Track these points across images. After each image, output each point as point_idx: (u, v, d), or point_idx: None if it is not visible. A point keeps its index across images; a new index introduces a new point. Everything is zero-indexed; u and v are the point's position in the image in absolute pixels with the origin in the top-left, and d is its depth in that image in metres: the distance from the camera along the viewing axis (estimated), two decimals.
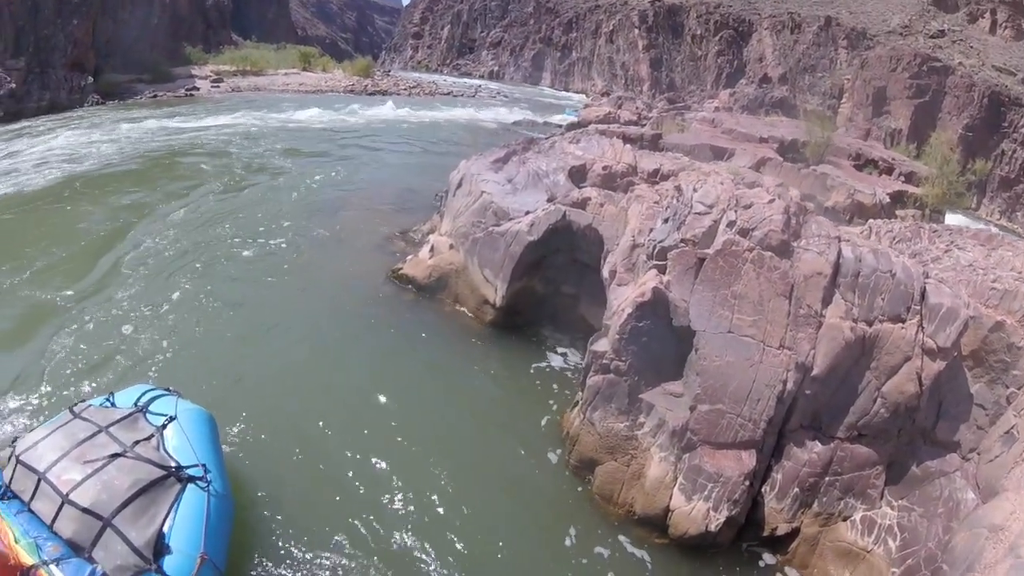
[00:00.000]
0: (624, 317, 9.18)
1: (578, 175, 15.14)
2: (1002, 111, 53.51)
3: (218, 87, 52.98)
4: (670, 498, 8.42)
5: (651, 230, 10.47)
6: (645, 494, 8.63)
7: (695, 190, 10.25)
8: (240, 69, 59.76)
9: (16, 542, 6.30)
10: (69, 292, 14.00)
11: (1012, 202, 52.49)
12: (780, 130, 19.03)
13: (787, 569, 8.68)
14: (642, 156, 15.26)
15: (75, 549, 6.39)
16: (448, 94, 61.56)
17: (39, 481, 6.75)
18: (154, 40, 56.60)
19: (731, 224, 9.07)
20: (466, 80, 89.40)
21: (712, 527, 8.01)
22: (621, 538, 8.63)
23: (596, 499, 9.08)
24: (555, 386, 11.98)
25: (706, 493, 8.08)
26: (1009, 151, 52.76)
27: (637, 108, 29.28)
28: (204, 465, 7.40)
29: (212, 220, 19.39)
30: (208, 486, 7.22)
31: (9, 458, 7.14)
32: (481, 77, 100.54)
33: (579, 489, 9.37)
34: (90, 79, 44.24)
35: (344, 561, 8.01)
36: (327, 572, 7.85)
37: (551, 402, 11.46)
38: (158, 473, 7.05)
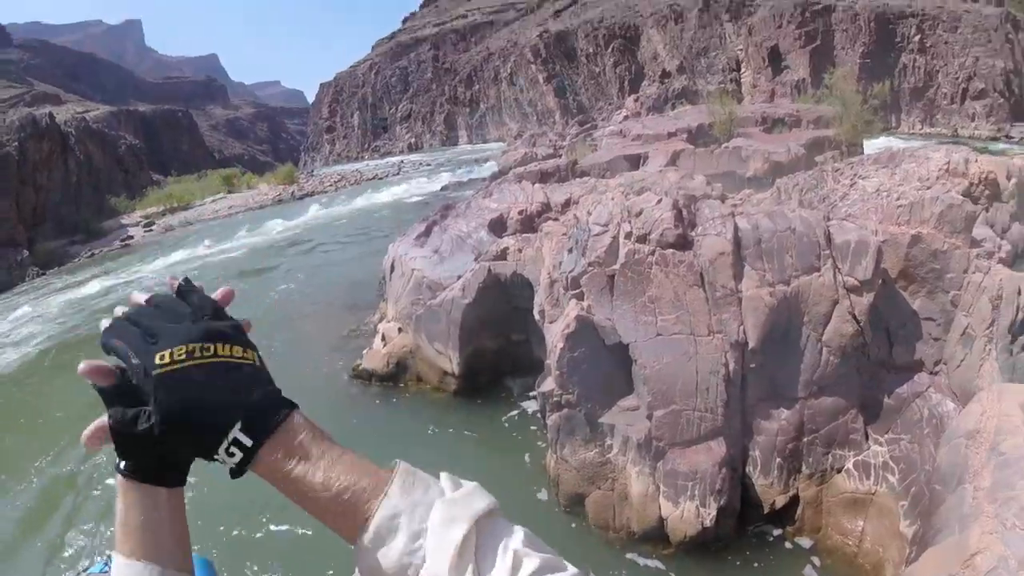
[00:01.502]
0: (558, 352, 9.36)
1: (498, 226, 15.42)
2: (891, 28, 55.35)
3: (151, 230, 53.05)
4: (659, 508, 8.50)
5: (561, 263, 10.71)
6: (636, 511, 8.72)
7: (589, 213, 10.56)
8: (168, 207, 60.13)
9: None
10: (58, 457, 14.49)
11: (928, 109, 53.93)
12: (686, 119, 19.56)
13: (799, 539, 8.72)
14: (553, 191, 15.64)
15: None
16: (374, 178, 62.10)
17: None
18: (79, 198, 57.03)
19: (628, 235, 9.36)
20: (388, 159, 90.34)
21: (707, 523, 8.08)
22: (630, 559, 8.66)
23: (594, 529, 9.14)
24: (531, 431, 12.15)
25: (689, 493, 8.18)
26: (910, 62, 54.35)
27: (551, 140, 29.84)
28: None
29: None
30: None
31: None
32: (401, 152, 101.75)
33: (576, 524, 9.42)
34: (25, 252, 44.18)
35: None
36: None
37: (531, 448, 11.59)
38: None
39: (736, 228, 8.97)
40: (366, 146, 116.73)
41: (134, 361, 0.84)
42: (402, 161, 73.49)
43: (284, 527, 10.92)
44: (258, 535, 10.86)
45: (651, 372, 8.48)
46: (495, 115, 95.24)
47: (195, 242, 42.82)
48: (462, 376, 13.84)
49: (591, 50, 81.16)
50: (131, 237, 51.56)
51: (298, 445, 0.90)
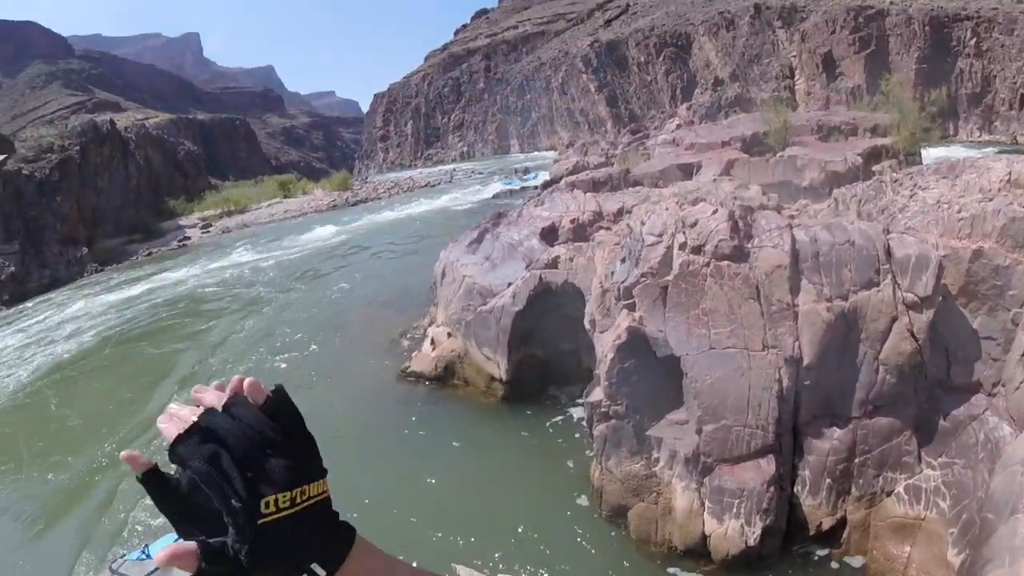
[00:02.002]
0: (608, 362, 9.32)
1: (550, 235, 15.46)
2: (946, 32, 53.54)
3: (208, 232, 54.74)
4: (703, 524, 8.37)
5: (613, 272, 10.66)
6: (679, 526, 8.60)
7: (643, 223, 10.50)
8: (225, 210, 61.84)
9: None
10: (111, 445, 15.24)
11: (986, 115, 52.08)
12: (740, 128, 19.26)
13: (845, 559, 8.47)
14: (605, 200, 15.61)
15: None
16: (426, 186, 62.66)
17: None
18: (138, 200, 59.31)
19: (683, 246, 9.26)
20: (440, 167, 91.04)
21: (752, 541, 7.93)
22: (671, 573, 8.55)
23: (636, 542, 9.06)
24: (576, 440, 12.06)
25: (735, 510, 8.03)
26: (966, 67, 52.63)
27: (603, 149, 29.69)
28: None
29: (231, 353, 20.80)
30: None
31: None
32: (453, 161, 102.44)
33: (616, 535, 9.37)
34: (85, 250, 46.37)
35: None
36: None
37: (575, 457, 11.52)
38: None
39: (793, 240, 8.80)
40: (419, 154, 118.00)
41: (234, 503, 0.80)
42: (454, 169, 74.07)
43: None
44: None
45: (702, 386, 8.37)
46: (547, 124, 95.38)
47: (251, 244, 44.09)
48: (510, 382, 13.88)
49: (642, 59, 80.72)
50: (188, 238, 53.25)
51: (363, 567, 0.93)
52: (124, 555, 9.35)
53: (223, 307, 28.19)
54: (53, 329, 29.51)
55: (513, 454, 12.39)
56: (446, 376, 15.46)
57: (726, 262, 8.74)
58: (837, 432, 8.17)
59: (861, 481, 8.23)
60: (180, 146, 77.81)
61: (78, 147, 53.08)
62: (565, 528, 9.77)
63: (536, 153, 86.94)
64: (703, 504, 8.38)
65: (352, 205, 58.02)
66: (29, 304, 37.39)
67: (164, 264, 42.54)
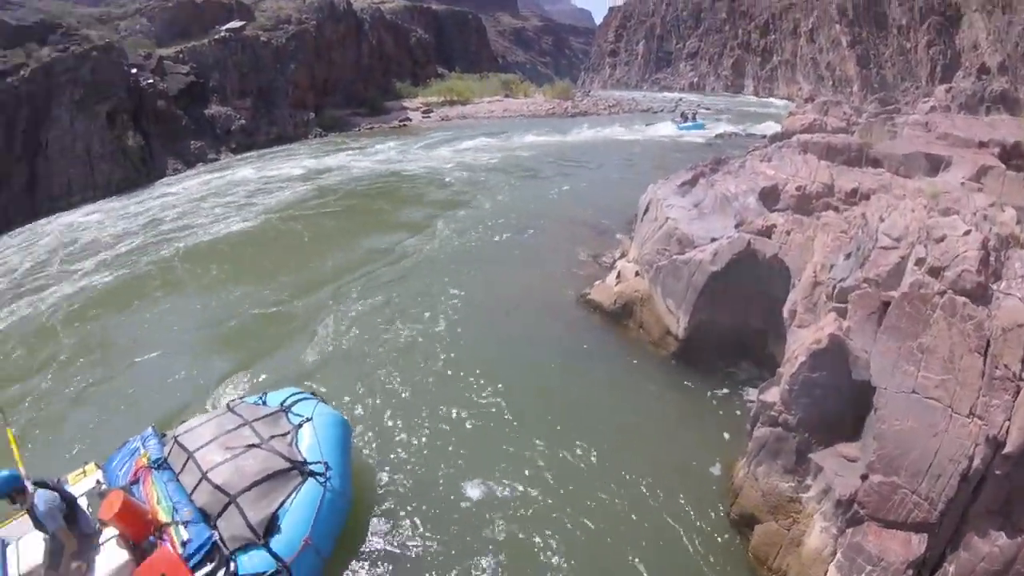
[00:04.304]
0: (797, 366, 8.41)
1: (770, 197, 14.15)
2: None
3: (428, 117, 57.96)
4: (825, 573, 7.50)
5: (832, 266, 9.56)
6: (801, 563, 7.79)
7: (881, 220, 9.19)
8: (447, 99, 64.96)
9: (158, 503, 7.78)
10: (294, 301, 17.19)
11: None
12: (1001, 131, 16.20)
13: None
14: (840, 173, 13.90)
15: (204, 517, 7.66)
16: (647, 110, 60.49)
17: (188, 459, 8.27)
18: (367, 78, 63.51)
19: (920, 261, 7.92)
20: (665, 94, 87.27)
21: None
22: None
23: (751, 558, 8.41)
24: (732, 428, 11.21)
25: None
26: None
27: (845, 113, 26.52)
28: (327, 463, 8.53)
29: (428, 237, 22.29)
30: (327, 482, 8.30)
31: (171, 438, 8.83)
32: (681, 90, 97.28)
33: (735, 544, 8.75)
34: (312, 115, 51.45)
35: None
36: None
37: (725, 445, 10.79)
38: (284, 465, 8.29)
39: None
40: (646, 76, 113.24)
41: None
42: (680, 99, 70.21)
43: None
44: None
45: (888, 430, 7.27)
46: (787, 70, 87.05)
47: (466, 135, 46.16)
48: (684, 342, 13.18)
49: (904, 22, 70.38)
50: (409, 119, 56.82)
51: None
52: (243, 398, 10.40)
53: (427, 189, 30.34)
54: (274, 180, 33.58)
55: (667, 415, 11.86)
56: (622, 314, 15.02)
57: (964, 299, 7.35)
58: (1003, 539, 6.70)
59: None
60: (412, 32, 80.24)
61: (314, 22, 57.22)
62: (684, 511, 9.31)
63: (770, 99, 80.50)
64: (835, 554, 7.47)
65: (570, 116, 58.02)
66: (253, 153, 42.62)
67: (383, 139, 46.38)
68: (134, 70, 40.79)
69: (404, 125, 54.36)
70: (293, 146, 45.18)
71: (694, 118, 49.31)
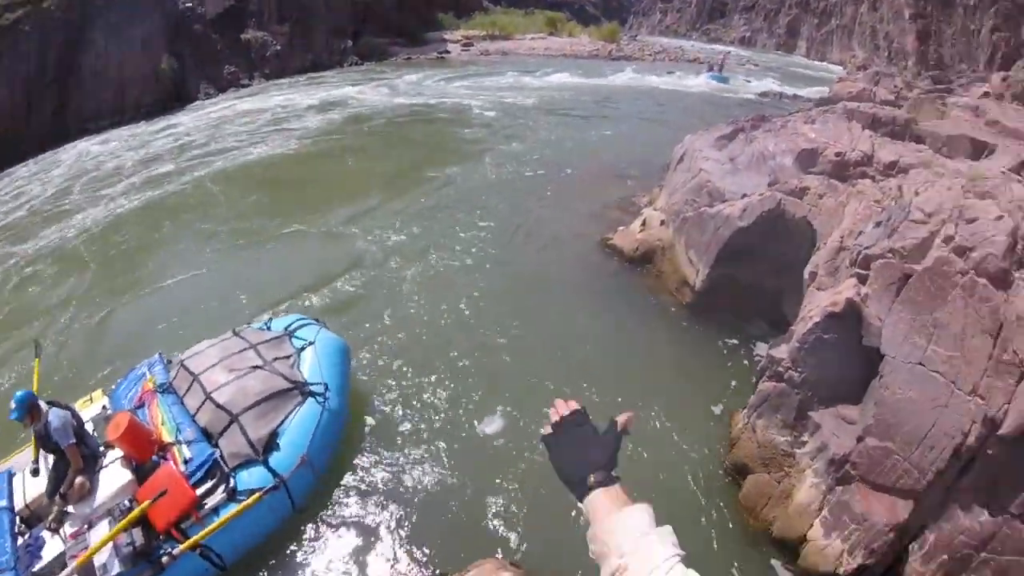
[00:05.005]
0: (810, 325, 8.49)
1: (807, 160, 13.95)
2: None
3: (468, 50, 56.70)
4: (809, 528, 7.73)
5: (860, 233, 9.51)
6: (787, 516, 8.02)
7: (916, 194, 9.11)
8: (489, 33, 62.94)
9: (163, 424, 8.12)
10: (320, 226, 17.52)
11: None
12: None
13: None
14: (881, 144, 13.65)
15: (206, 436, 8.00)
16: (694, 60, 58.53)
17: (192, 381, 8.55)
18: (409, 6, 61.10)
19: (948, 239, 7.89)
20: (715, 46, 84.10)
21: (842, 571, 7.23)
22: (750, 551, 8.16)
23: (740, 506, 8.65)
24: (739, 379, 11.39)
25: (846, 533, 7.28)
26: None
27: (896, 87, 25.79)
28: (326, 384, 8.84)
29: (460, 171, 22.30)
30: (325, 402, 8.64)
31: (177, 363, 9.12)
32: (732, 43, 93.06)
33: (726, 490, 9.00)
34: (349, 42, 50.31)
35: (439, 487, 8.94)
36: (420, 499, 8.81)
37: (729, 395, 11.00)
38: (285, 385, 8.61)
39: None
40: (697, 26, 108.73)
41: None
42: (729, 52, 67.99)
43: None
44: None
45: (890, 397, 7.40)
46: (844, 36, 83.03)
47: (505, 70, 45.47)
48: (701, 293, 13.26)
49: (972, 2, 67.17)
50: (448, 52, 55.54)
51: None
52: (249, 324, 10.69)
53: (461, 124, 30.08)
54: (305, 108, 33.42)
55: (673, 359, 12.11)
56: (642, 261, 15.10)
57: (984, 280, 7.34)
58: (985, 516, 6.84)
59: None
60: None
61: None
62: (682, 453, 9.57)
63: (822, 63, 77.52)
64: (821, 510, 7.70)
65: (613, 59, 56.32)
66: (286, 80, 42.25)
67: (419, 70, 45.46)
68: None
69: (442, 57, 53.26)
70: (327, 74, 44.53)
71: (719, 70, 47.56)
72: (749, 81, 48.07)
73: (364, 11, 54.45)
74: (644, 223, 15.80)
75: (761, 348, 11.88)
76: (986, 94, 20.92)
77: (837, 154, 13.56)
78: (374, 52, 51.20)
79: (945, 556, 6.80)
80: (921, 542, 7.02)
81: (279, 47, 44.69)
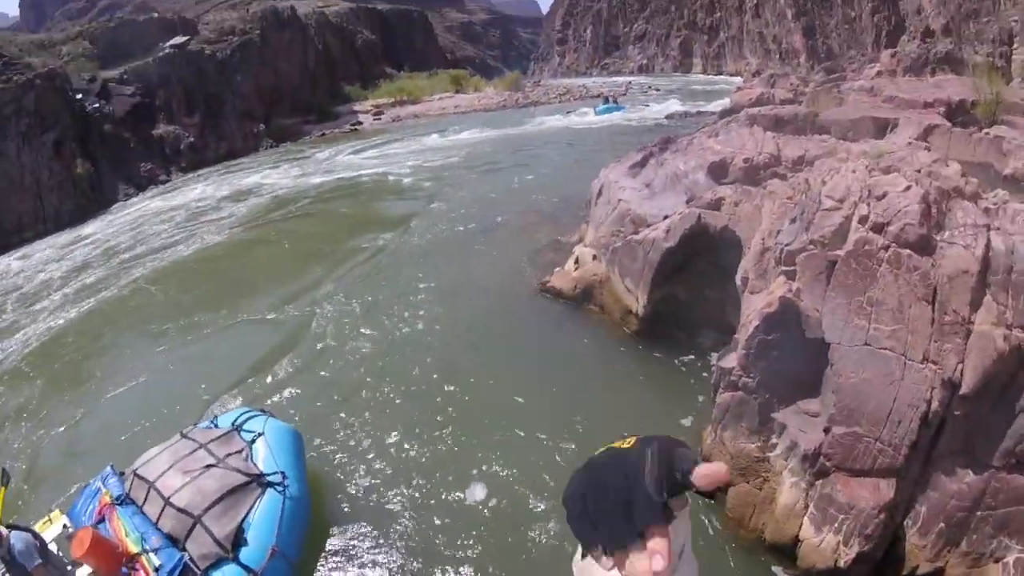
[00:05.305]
0: (751, 330, 8.64)
1: (718, 171, 14.44)
2: None
3: (379, 119, 57.67)
4: (800, 527, 7.74)
5: (779, 232, 9.82)
6: (775, 521, 8.03)
7: (823, 183, 9.48)
8: (397, 100, 64.36)
9: (127, 536, 7.88)
10: (251, 314, 17.31)
11: None
12: (947, 90, 16.66)
13: None
14: (786, 143, 14.26)
15: (172, 541, 7.79)
16: (598, 96, 60.78)
17: (149, 489, 8.34)
18: (315, 84, 63.20)
19: (863, 219, 8.19)
20: (616, 79, 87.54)
21: (841, 562, 7.22)
22: (749, 563, 8.13)
23: (728, 520, 8.62)
24: (703, 395, 11.43)
25: (836, 525, 7.30)
26: None
27: (792, 84, 27.18)
28: (283, 473, 8.74)
29: (389, 238, 22.40)
30: (285, 490, 8.53)
31: (130, 473, 8.89)
32: (631, 73, 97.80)
33: (711, 508, 8.95)
34: (261, 126, 50.95)
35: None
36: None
37: (698, 410, 11.07)
38: (242, 480, 8.46)
39: (988, 246, 7.48)
40: (596, 62, 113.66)
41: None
42: (630, 82, 70.58)
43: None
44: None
45: (845, 383, 7.56)
46: (734, 47, 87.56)
47: (419, 134, 46.49)
48: (645, 319, 13.41)
49: None
50: (360, 123, 56.61)
51: None
52: (195, 424, 10.48)
53: (388, 192, 30.62)
54: (227, 196, 33.33)
55: (632, 388, 12.13)
56: (583, 299, 15.24)
57: (908, 251, 7.63)
58: (970, 476, 6.95)
59: (975, 537, 7.02)
60: (358, 34, 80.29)
61: (258, 31, 57.04)
62: None
63: (719, 77, 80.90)
64: (807, 507, 7.73)
65: (522, 107, 58.03)
66: (204, 171, 42.51)
67: (336, 144, 46.60)
68: (79, 95, 40.22)
69: (355, 129, 54.06)
70: (244, 160, 44.97)
71: (615, 101, 49.93)
72: (647, 105, 49.93)
73: (271, 94, 55.35)
74: (577, 261, 16.00)
75: (705, 364, 12.16)
76: (879, 73, 22.03)
77: (745, 160, 14.08)
78: (287, 133, 52.08)
79: (941, 524, 6.92)
80: (914, 517, 7.13)
81: (192, 139, 44.99)
